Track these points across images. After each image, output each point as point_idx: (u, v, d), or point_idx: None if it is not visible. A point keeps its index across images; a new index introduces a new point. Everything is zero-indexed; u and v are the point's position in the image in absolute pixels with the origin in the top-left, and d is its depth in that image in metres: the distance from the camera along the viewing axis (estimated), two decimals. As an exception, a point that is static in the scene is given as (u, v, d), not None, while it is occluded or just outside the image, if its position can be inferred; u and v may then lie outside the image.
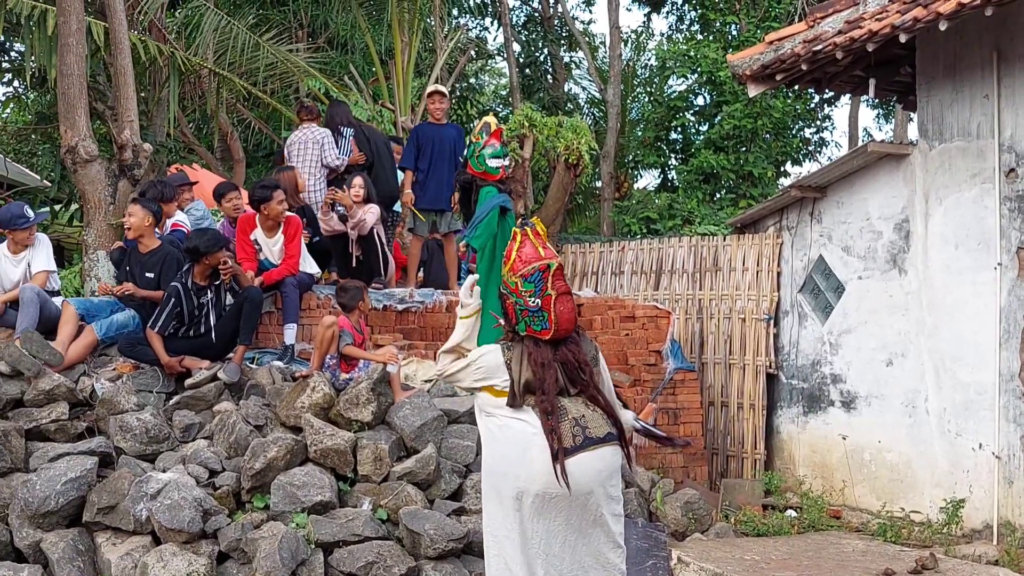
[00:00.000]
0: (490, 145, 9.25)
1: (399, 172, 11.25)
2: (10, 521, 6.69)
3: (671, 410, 10.45)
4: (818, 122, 22.81)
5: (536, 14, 26.72)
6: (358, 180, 10.15)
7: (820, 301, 10.57)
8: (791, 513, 9.36)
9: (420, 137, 10.88)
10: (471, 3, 23.07)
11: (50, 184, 12.61)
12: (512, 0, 26.22)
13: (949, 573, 7.07)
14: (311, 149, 10.83)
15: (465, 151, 9.67)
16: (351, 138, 11.09)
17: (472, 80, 26.14)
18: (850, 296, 10.23)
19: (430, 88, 11.47)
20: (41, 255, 8.73)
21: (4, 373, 7.68)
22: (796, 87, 10.86)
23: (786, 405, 10.90)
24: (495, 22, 26.22)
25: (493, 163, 9.17)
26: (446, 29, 18.77)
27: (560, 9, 26.15)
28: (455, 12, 22.14)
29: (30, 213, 8.82)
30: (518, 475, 4.57)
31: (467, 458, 7.63)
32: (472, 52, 22.18)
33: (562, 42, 26.21)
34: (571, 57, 27.22)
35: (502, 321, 4.84)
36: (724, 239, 11.80)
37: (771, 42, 10.07)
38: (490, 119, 9.69)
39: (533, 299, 4.66)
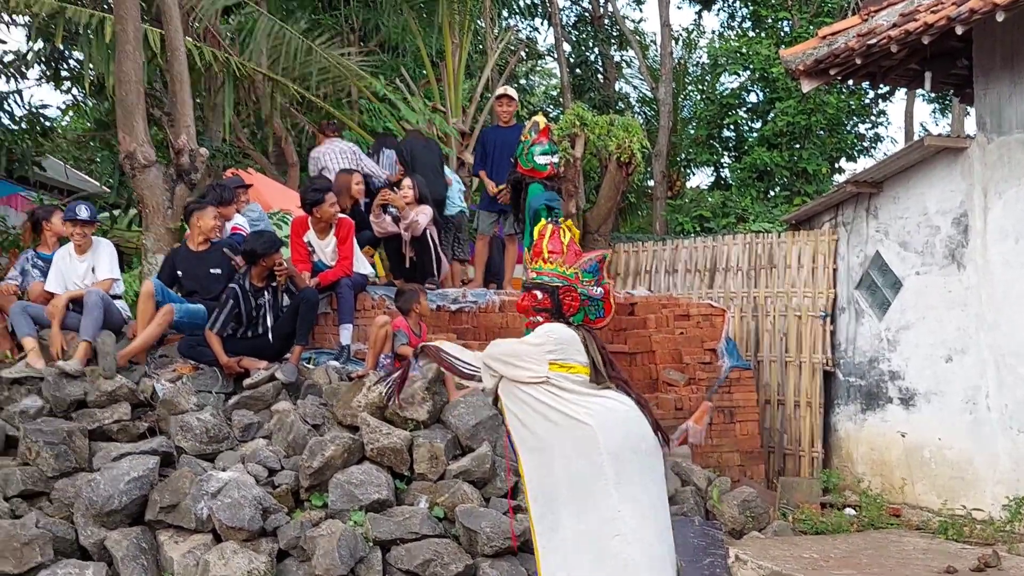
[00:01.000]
0: (539, 143, 9.34)
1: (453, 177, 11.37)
2: (75, 520, 6.81)
3: (727, 408, 10.40)
4: (873, 117, 22.59)
5: (586, 14, 26.70)
6: (407, 181, 10.25)
7: (877, 297, 10.47)
8: (850, 511, 9.29)
9: (485, 140, 11.16)
10: (521, 4, 23.09)
11: (109, 190, 12.82)
12: (562, 0, 26.23)
13: (1012, 571, 6.98)
14: (347, 156, 10.98)
15: (515, 150, 9.74)
16: (393, 158, 11.21)
17: (522, 81, 26.17)
18: (908, 292, 10.12)
19: (498, 91, 11.61)
20: (106, 261, 8.86)
21: (68, 374, 7.81)
22: (850, 82, 10.75)
23: (843, 403, 10.81)
24: (545, 22, 26.24)
25: (541, 160, 9.25)
26: (496, 30, 18.83)
27: (610, 8, 26.11)
28: (505, 13, 22.18)
29: (80, 212, 8.95)
30: (636, 448, 4.63)
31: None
32: (522, 53, 22.21)
33: (612, 41, 26.17)
34: (622, 56, 27.19)
35: (536, 318, 4.81)
36: (779, 236, 11.72)
37: (824, 37, 10.00)
38: (539, 118, 9.77)
39: (596, 288, 4.82)
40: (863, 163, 21.99)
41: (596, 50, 26.18)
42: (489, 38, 17.47)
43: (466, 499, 7.10)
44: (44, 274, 8.90)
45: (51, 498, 7.04)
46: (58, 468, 7.09)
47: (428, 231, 10.30)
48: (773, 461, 11.01)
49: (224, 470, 7.11)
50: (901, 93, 23.17)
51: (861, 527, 8.80)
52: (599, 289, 4.84)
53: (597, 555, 4.43)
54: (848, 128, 20.98)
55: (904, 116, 23.51)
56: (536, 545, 4.60)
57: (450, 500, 7.08)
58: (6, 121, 12.34)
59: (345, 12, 17.91)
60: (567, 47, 24.87)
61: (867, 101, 21.74)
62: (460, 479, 7.24)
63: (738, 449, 10.32)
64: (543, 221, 4.96)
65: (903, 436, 9.92)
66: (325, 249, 9.23)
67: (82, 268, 8.75)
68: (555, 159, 9.44)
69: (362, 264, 9.47)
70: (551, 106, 27.53)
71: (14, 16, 11.93)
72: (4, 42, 13.20)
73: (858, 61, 9.59)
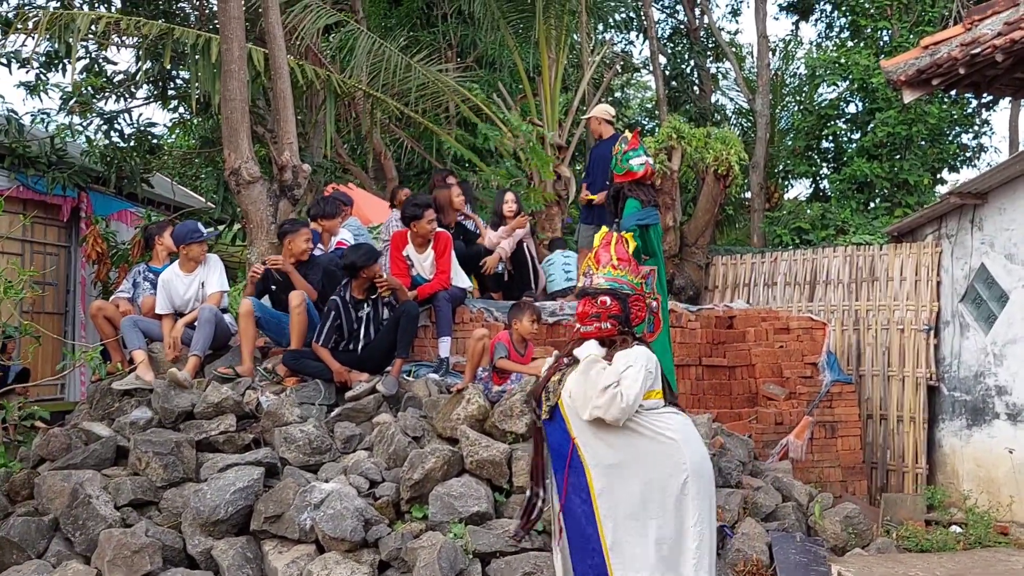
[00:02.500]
0: (632, 150, 9.35)
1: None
2: (183, 529, 6.98)
3: (828, 423, 10.28)
4: (976, 127, 22.08)
5: (682, 26, 26.56)
6: (510, 195, 10.39)
7: (983, 311, 10.27)
8: (955, 529, 9.10)
9: (590, 158, 11.31)
10: (617, 18, 23.08)
11: (214, 206, 13.07)
12: (657, 13, 26.14)
13: None
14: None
15: (610, 165, 9.78)
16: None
17: (618, 94, 26.13)
18: (1015, 305, 9.91)
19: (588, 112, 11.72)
20: (215, 275, 9.08)
21: (179, 385, 8.02)
22: (953, 92, 10.57)
23: (948, 418, 10.61)
24: (641, 35, 26.19)
25: (635, 162, 9.24)
26: (592, 44, 18.84)
27: (706, 20, 25.95)
28: (601, 27, 22.19)
29: (204, 229, 9.22)
30: (706, 467, 4.70)
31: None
32: (618, 66, 22.19)
33: (708, 53, 25.98)
34: (718, 68, 26.97)
35: (604, 324, 4.73)
36: (880, 248, 11.56)
37: (926, 46, 9.84)
38: (626, 132, 9.82)
39: (652, 302, 4.87)
40: (966, 174, 21.55)
41: (692, 62, 26.01)
42: (585, 52, 17.46)
43: (564, 511, 7.10)
44: (155, 287, 9.14)
45: (160, 507, 7.23)
46: (166, 478, 7.28)
47: (525, 244, 10.38)
48: (876, 477, 10.86)
49: (327, 481, 7.21)
50: (1005, 102, 22.65)
51: (967, 545, 8.61)
52: (653, 303, 4.90)
53: (672, 568, 4.49)
54: (950, 138, 20.54)
55: (1008, 126, 22.98)
56: (609, 563, 4.60)
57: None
58: (116, 139, 12.68)
59: (443, 28, 18.10)
60: (663, 60, 24.75)
61: (970, 111, 21.28)
62: (559, 492, 7.26)
63: (840, 464, 10.19)
64: (604, 229, 4.94)
65: (1011, 452, 9.71)
66: (424, 263, 9.34)
67: (193, 286, 8.96)
68: (649, 159, 9.44)
69: (460, 278, 9.56)
70: (647, 119, 27.44)
71: (124, 38, 12.27)
72: (115, 63, 13.63)
73: (961, 71, 9.41)
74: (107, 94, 13.09)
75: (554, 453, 4.69)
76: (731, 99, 27.66)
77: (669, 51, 26.01)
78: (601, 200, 10.79)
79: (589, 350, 4.75)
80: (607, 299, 4.67)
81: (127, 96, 13.20)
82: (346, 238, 9.70)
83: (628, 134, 9.71)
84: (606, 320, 4.65)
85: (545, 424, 4.73)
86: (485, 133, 13.28)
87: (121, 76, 13.22)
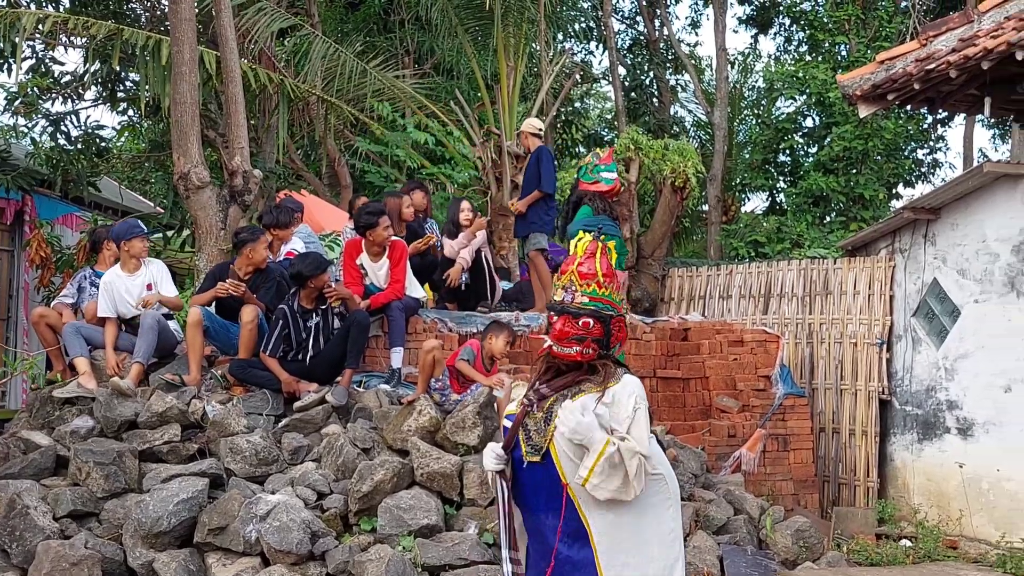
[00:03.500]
0: (604, 164, 9.36)
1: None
2: (124, 541, 6.84)
3: (781, 436, 10.27)
4: (931, 143, 22.32)
5: (641, 37, 26.66)
6: (466, 204, 10.34)
7: (935, 325, 10.31)
8: (905, 543, 9.12)
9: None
10: (576, 28, 23.09)
11: (162, 211, 12.92)
12: (617, 24, 26.22)
13: (1074, 608, 6.81)
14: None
15: (577, 174, 9.79)
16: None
17: (577, 104, 26.13)
18: (966, 320, 9.96)
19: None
20: (168, 282, 8.92)
21: (122, 393, 7.87)
22: (908, 107, 10.62)
23: (900, 432, 10.64)
24: (600, 46, 26.23)
25: (607, 175, 9.26)
26: (551, 54, 18.81)
27: (666, 32, 26.05)
28: (560, 37, 22.18)
29: (142, 225, 9.07)
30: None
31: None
32: (577, 76, 22.17)
33: (668, 65, 26.08)
34: (677, 80, 27.08)
35: (587, 349, 4.16)
36: (835, 262, 11.59)
37: (882, 61, 9.88)
38: (597, 151, 9.87)
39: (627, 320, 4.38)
40: (921, 189, 21.74)
41: (651, 74, 26.11)
42: (544, 61, 17.41)
43: (515, 526, 7.03)
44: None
45: (100, 519, 7.09)
46: (108, 489, 7.14)
47: (483, 253, 10.32)
48: (827, 490, 10.87)
49: (273, 493, 7.11)
50: (960, 118, 22.86)
51: (917, 559, 8.63)
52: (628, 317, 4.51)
53: None
54: (906, 153, 20.73)
55: (963, 141, 23.18)
56: None
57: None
58: (62, 142, 12.47)
59: (400, 34, 18.00)
60: (622, 71, 24.81)
61: (925, 126, 21.48)
62: (509, 505, 7.18)
63: (792, 478, 10.19)
64: (588, 236, 4.35)
65: (961, 467, 9.73)
66: (378, 272, 9.24)
67: (137, 286, 8.78)
68: (619, 177, 9.45)
69: (414, 287, 9.47)
70: (606, 130, 27.49)
71: (72, 38, 12.09)
72: (62, 63, 13.44)
73: (916, 86, 9.46)
74: (54, 95, 12.88)
75: (535, 496, 4.17)
76: (690, 111, 27.78)
77: (628, 62, 26.11)
78: (520, 209, 10.84)
79: (586, 405, 4.09)
80: (590, 321, 4.15)
81: (74, 98, 12.99)
82: (296, 247, 9.57)
83: (601, 151, 9.77)
84: (589, 345, 4.14)
85: (527, 468, 4.15)
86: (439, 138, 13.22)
87: (68, 77, 13.01)
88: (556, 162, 22.43)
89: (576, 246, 4.29)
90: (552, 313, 4.20)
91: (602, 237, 4.30)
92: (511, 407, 4.29)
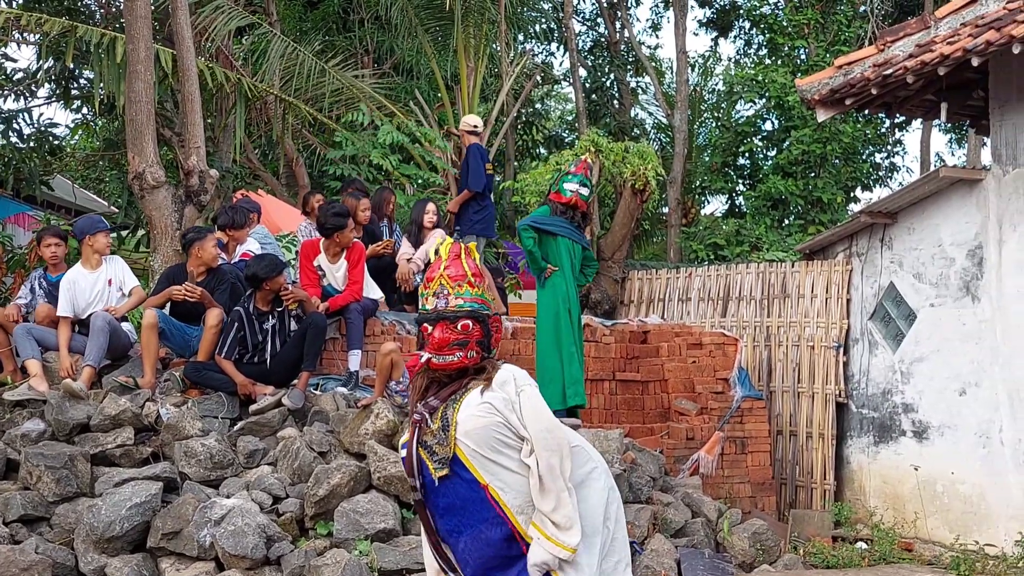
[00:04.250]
0: (572, 173, 9.38)
1: None
2: (76, 546, 6.75)
3: (738, 439, 10.30)
4: (889, 147, 22.52)
5: (602, 39, 26.70)
6: (431, 206, 10.31)
7: (891, 329, 10.38)
8: (861, 545, 9.18)
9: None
10: (537, 29, 23.09)
11: (117, 210, 12.81)
12: (578, 25, 26.25)
13: (1026, 610, 6.87)
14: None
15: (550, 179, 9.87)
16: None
17: (538, 106, 26.15)
18: (922, 324, 10.03)
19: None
20: (130, 276, 8.86)
21: (74, 395, 7.76)
22: (866, 112, 10.71)
23: (856, 435, 10.70)
24: (561, 47, 26.26)
25: (567, 187, 9.27)
26: (512, 55, 18.81)
27: (627, 34, 26.10)
28: (521, 38, 22.18)
29: (105, 221, 9.00)
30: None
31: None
32: (538, 77, 22.19)
33: (628, 67, 26.15)
34: (637, 82, 27.15)
35: (472, 353, 3.91)
36: (792, 265, 11.65)
37: (840, 66, 9.94)
38: (586, 156, 9.92)
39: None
40: (879, 193, 21.96)
41: (612, 76, 26.17)
42: (504, 62, 17.43)
43: (471, 529, 7.00)
44: (47, 296, 8.84)
45: (51, 523, 6.98)
46: (59, 493, 7.03)
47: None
48: (785, 493, 10.91)
49: (228, 497, 7.04)
50: (917, 123, 23.09)
51: (872, 561, 8.69)
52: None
53: None
54: (864, 157, 20.90)
55: (920, 146, 23.42)
56: None
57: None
58: (14, 139, 12.31)
59: (359, 34, 17.92)
60: (583, 72, 24.86)
61: (883, 130, 21.66)
62: (466, 508, 7.14)
63: (749, 480, 10.23)
64: (449, 239, 4.09)
65: (916, 469, 9.81)
66: (336, 274, 9.17)
67: (99, 283, 8.69)
68: (583, 191, 9.39)
69: (372, 289, 9.40)
70: (566, 131, 27.52)
71: (25, 34, 11.94)
72: (14, 60, 13.26)
73: (874, 91, 9.53)
74: (6, 92, 12.72)
75: (459, 512, 3.86)
76: (650, 114, 27.88)
77: (589, 64, 26.14)
78: (451, 210, 10.91)
79: (470, 401, 3.83)
80: (469, 323, 3.90)
81: (27, 95, 12.84)
82: (252, 248, 9.47)
83: (583, 157, 9.80)
84: (472, 348, 3.88)
85: (440, 487, 3.85)
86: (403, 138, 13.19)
87: (21, 74, 12.85)
88: (516, 163, 22.52)
89: (439, 250, 4.02)
90: (426, 324, 3.94)
91: (463, 239, 4.11)
92: (404, 436, 3.99)
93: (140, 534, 6.78)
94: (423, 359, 3.90)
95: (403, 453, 3.92)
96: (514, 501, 3.80)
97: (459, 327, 3.86)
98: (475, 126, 11.72)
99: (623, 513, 4.17)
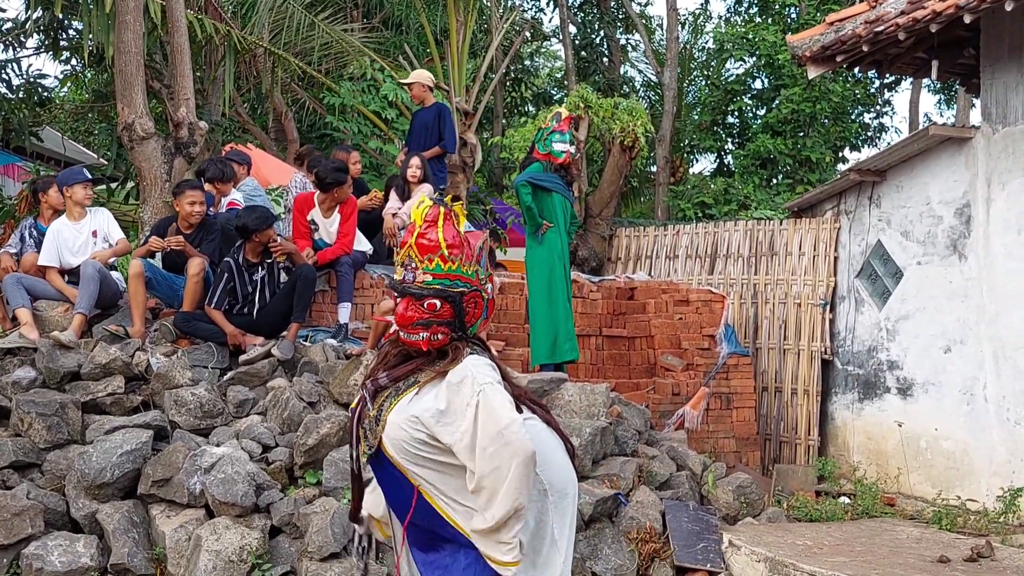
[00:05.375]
0: (559, 131, 9.38)
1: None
2: (67, 492, 6.80)
3: (724, 395, 10.38)
4: (878, 107, 22.51)
5: (592, -5, 26.58)
6: (415, 160, 10.29)
7: (878, 287, 10.44)
8: (844, 500, 9.27)
9: (412, 123, 11.81)
10: (527, -16, 22.97)
11: (106, 162, 12.74)
12: (568, -19, 26.10)
13: (1005, 561, 6.97)
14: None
15: (535, 137, 9.82)
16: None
17: (527, 62, 26.03)
18: (908, 282, 10.09)
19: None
20: (115, 227, 8.88)
21: (63, 345, 7.78)
22: (857, 69, 10.69)
23: (841, 391, 10.79)
24: (551, 3, 26.10)
25: (558, 147, 9.30)
26: (501, 10, 18.72)
27: (617, -9, 25.97)
28: (510, -8, 22.07)
29: (86, 172, 8.99)
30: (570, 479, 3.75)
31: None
32: (527, 33, 22.11)
33: (618, 24, 25.99)
34: (627, 39, 27.00)
35: (436, 335, 3.55)
36: (780, 223, 11.68)
37: (832, 23, 9.93)
38: (562, 109, 9.88)
39: (488, 285, 3.74)
40: (867, 152, 21.95)
41: (601, 32, 26.02)
42: (494, 17, 17.32)
43: (460, 479, 7.06)
44: (38, 245, 8.85)
45: (43, 470, 7.03)
46: (50, 440, 7.07)
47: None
48: (769, 448, 11.01)
49: (218, 445, 7.08)
50: (907, 83, 23.10)
51: (855, 515, 8.78)
52: (489, 285, 3.76)
53: None
54: (853, 117, 20.92)
55: (909, 106, 23.44)
56: None
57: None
58: (3, 90, 12.23)
59: (349, -13, 17.81)
60: (572, 29, 24.72)
61: (873, 90, 21.66)
62: (455, 459, 7.19)
63: (734, 435, 10.31)
64: (429, 201, 3.67)
65: (900, 426, 9.90)
66: (329, 228, 9.19)
67: (83, 234, 8.71)
68: (572, 148, 9.46)
69: (361, 242, 9.42)
70: (555, 88, 27.42)
71: (14, -16, 11.86)
72: (3, 10, 13.14)
73: (865, 48, 9.52)
74: (-6, 44, 12.65)
75: (389, 497, 3.65)
76: (639, 71, 27.78)
77: (579, 20, 25.99)
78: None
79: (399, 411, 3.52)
80: (436, 302, 3.53)
81: (15, 45, 12.73)
82: (236, 199, 9.47)
83: (563, 112, 9.75)
84: (437, 331, 3.55)
85: (372, 467, 3.62)
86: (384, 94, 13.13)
87: (9, 24, 12.73)
88: (504, 120, 22.46)
89: (415, 213, 3.62)
90: (395, 294, 3.64)
91: (447, 199, 3.68)
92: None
93: (131, 481, 6.82)
94: (391, 330, 3.69)
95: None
96: (448, 504, 3.50)
97: (424, 306, 3.53)
98: (434, 82, 11.86)
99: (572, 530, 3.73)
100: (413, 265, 3.57)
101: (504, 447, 3.29)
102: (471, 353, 3.57)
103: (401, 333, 3.60)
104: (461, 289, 3.57)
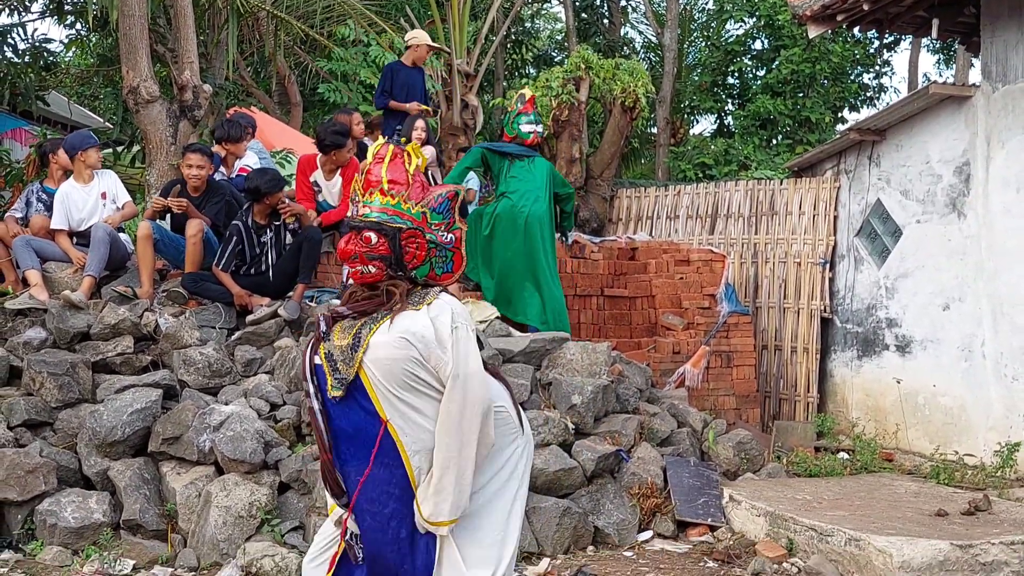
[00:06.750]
0: (524, 113, 9.51)
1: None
2: (79, 449, 6.90)
3: (724, 353, 10.48)
4: (877, 67, 22.50)
5: (593, -44, 26.46)
6: (420, 123, 10.34)
7: (877, 245, 10.52)
8: (843, 455, 9.38)
9: (408, 79, 11.60)
10: (527, -56, 22.87)
11: (112, 126, 12.77)
12: (569, -58, 25.98)
13: (1002, 515, 7.07)
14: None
15: (503, 119, 9.97)
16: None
17: (528, 24, 25.97)
18: (908, 240, 10.16)
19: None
20: (122, 190, 8.96)
21: (73, 306, 7.88)
22: (857, 28, 10.71)
23: (840, 349, 10.89)
24: (551, -36, 26.03)
25: (526, 128, 9.46)
26: (502, -28, 18.67)
27: (618, -49, 25.87)
28: (512, -46, 21.98)
29: (95, 136, 9.06)
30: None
31: (521, 396, 7.71)
32: (528, -5, 22.07)
33: (619, -15, 25.95)
34: (627, 1, 26.95)
35: (368, 268, 3.58)
36: (781, 183, 11.74)
37: (832, -18, 9.94)
38: (526, 90, 9.97)
39: (446, 234, 3.72)
40: (866, 113, 21.95)
41: (602, -6, 25.98)
42: (495, -22, 17.31)
43: (465, 436, 7.15)
44: (48, 208, 8.92)
45: (55, 428, 7.14)
46: (62, 399, 7.18)
47: (431, 173, 10.33)
48: (769, 405, 11.12)
49: (227, 404, 7.17)
50: (906, 43, 23.07)
51: (854, 471, 8.88)
52: (450, 236, 3.73)
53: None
54: (852, 77, 20.92)
55: (908, 67, 23.41)
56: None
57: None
58: (9, 55, 12.24)
59: (351, -51, 17.75)
60: (573, -10, 24.66)
61: (872, 50, 21.64)
62: (460, 416, 7.27)
63: (734, 393, 10.43)
64: (380, 140, 3.74)
65: (898, 383, 10.00)
66: (332, 190, 9.25)
67: (92, 197, 8.78)
68: (539, 128, 9.63)
69: (364, 203, 9.47)
70: (556, 50, 27.36)
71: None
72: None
73: (865, 7, 9.54)
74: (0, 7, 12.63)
75: (348, 441, 3.60)
76: (640, 32, 27.71)
77: (580, -19, 25.91)
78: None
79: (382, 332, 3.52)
80: (372, 236, 3.55)
81: (20, 10, 12.73)
82: (250, 163, 9.54)
83: (527, 93, 9.84)
84: (369, 263, 3.56)
85: (335, 408, 3.57)
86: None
87: (14, -11, 12.73)
88: (505, 82, 22.43)
89: (369, 152, 3.71)
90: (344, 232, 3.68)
91: (402, 140, 3.73)
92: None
93: (141, 439, 6.93)
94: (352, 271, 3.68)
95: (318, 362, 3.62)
96: (413, 445, 3.51)
97: (362, 238, 3.57)
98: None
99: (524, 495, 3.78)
100: (356, 199, 3.64)
101: (464, 393, 3.39)
102: (440, 291, 3.63)
103: (350, 268, 3.64)
104: (399, 225, 3.58)
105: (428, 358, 3.44)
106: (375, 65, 14.31)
